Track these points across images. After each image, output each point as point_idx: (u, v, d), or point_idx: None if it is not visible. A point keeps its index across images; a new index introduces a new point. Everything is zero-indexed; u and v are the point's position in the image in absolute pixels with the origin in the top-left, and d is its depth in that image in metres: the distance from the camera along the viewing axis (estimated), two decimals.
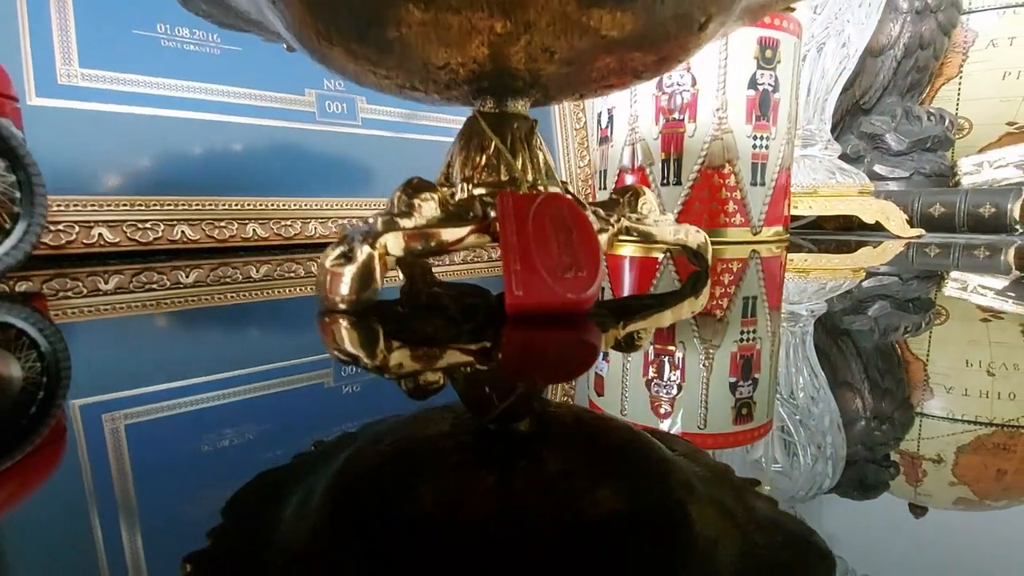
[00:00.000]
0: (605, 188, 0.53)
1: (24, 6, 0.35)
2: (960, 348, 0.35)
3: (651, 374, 0.21)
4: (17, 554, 0.11)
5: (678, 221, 0.46)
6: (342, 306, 0.16)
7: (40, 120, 0.32)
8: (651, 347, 0.26)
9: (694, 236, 0.25)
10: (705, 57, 0.44)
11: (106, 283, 0.34)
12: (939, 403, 0.23)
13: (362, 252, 0.16)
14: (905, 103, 0.79)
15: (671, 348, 0.26)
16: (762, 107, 0.45)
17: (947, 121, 0.78)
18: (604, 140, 0.53)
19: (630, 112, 0.50)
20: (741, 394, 0.24)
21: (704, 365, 0.25)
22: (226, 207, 0.40)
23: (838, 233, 0.63)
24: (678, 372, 0.25)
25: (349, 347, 0.16)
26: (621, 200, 0.25)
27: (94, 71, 0.36)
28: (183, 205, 0.38)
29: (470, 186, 0.22)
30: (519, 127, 0.23)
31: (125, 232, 0.36)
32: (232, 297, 0.35)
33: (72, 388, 0.19)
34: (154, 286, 0.35)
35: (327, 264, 0.16)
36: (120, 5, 0.37)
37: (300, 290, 0.38)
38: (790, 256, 0.54)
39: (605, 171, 0.53)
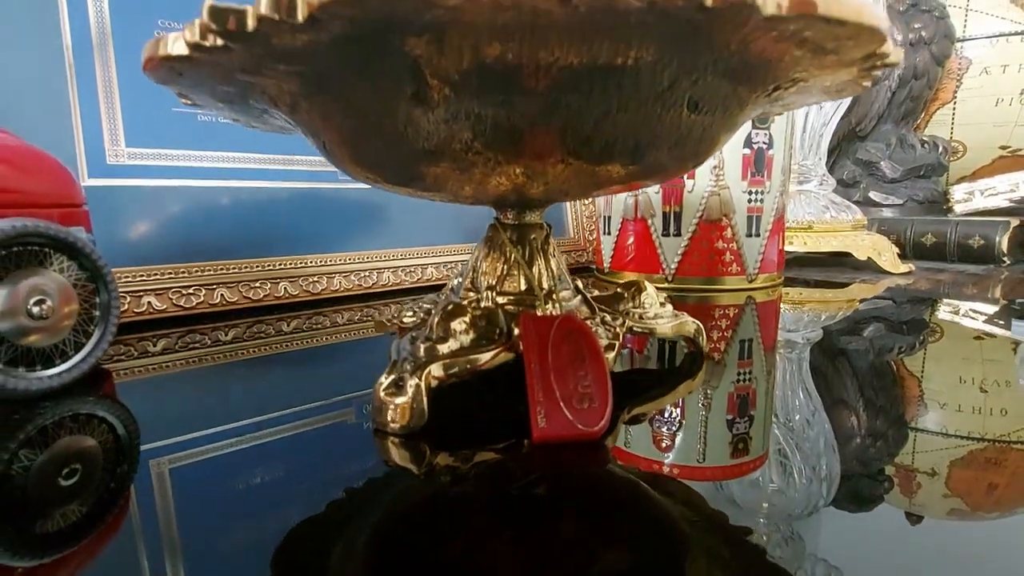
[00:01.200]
0: (609, 233, 0.56)
1: (76, 97, 0.38)
2: (954, 365, 0.38)
3: (653, 412, 0.24)
4: None
5: (678, 271, 0.49)
6: (394, 427, 0.20)
7: (92, 200, 0.35)
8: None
9: (689, 326, 0.28)
10: None
11: (154, 346, 0.37)
12: (933, 419, 0.26)
13: (411, 385, 0.19)
14: (900, 130, 0.82)
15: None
16: (757, 164, 0.48)
17: (940, 148, 0.80)
18: None
19: None
20: (737, 430, 0.28)
21: (703, 404, 0.28)
22: (260, 268, 0.43)
23: (832, 259, 0.66)
24: (678, 410, 0.29)
25: (399, 462, 0.20)
26: (625, 295, 0.28)
27: (139, 149, 0.40)
28: (221, 269, 0.41)
29: (494, 294, 0.25)
30: (536, 237, 0.26)
31: (171, 299, 0.39)
32: (265, 350, 0.39)
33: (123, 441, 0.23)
34: (197, 345, 0.38)
35: (381, 394, 0.19)
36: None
37: (326, 339, 0.42)
38: (785, 290, 0.57)
39: (609, 217, 0.56)
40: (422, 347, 0.21)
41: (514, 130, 0.17)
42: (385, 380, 0.20)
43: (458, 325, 0.22)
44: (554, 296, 0.25)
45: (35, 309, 0.24)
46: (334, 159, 0.23)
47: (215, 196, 0.42)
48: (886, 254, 0.63)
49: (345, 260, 0.47)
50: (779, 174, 0.50)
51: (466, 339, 0.22)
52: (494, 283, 0.26)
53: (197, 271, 0.40)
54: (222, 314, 0.42)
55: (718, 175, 0.48)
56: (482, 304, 0.25)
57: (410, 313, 0.27)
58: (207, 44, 0.15)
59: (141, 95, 0.40)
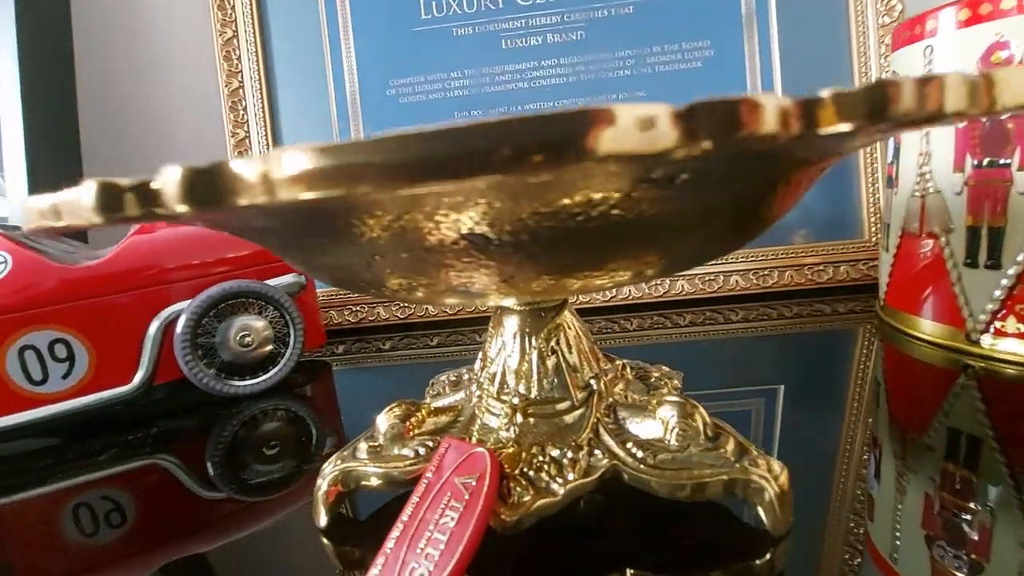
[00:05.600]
0: (888, 249, 0.37)
1: None
2: None
3: (938, 530, 0.18)
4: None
5: (994, 328, 0.29)
6: (317, 523, 0.21)
7: None
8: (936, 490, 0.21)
9: (761, 486, 0.18)
10: None
11: (385, 345, 0.48)
12: None
13: (329, 480, 0.20)
14: None
15: (970, 506, 0.20)
16: None
17: None
18: (890, 181, 0.37)
19: (920, 146, 0.33)
20: None
21: None
22: None
23: None
24: (981, 538, 0.20)
25: (325, 553, 0.21)
26: (649, 406, 0.19)
27: None
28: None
29: (485, 393, 0.22)
30: (533, 330, 0.21)
31: (392, 311, 0.49)
32: (467, 355, 0.45)
33: (366, 404, 0.34)
34: (412, 347, 0.48)
35: (319, 484, 0.21)
36: None
37: None
38: None
39: (888, 226, 0.37)
40: (362, 444, 0.21)
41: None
42: (326, 468, 0.21)
43: (398, 429, 0.21)
44: (529, 411, 0.20)
45: (245, 339, 0.35)
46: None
47: None
48: None
49: None
50: None
51: (404, 447, 0.21)
52: (483, 381, 0.22)
53: None
54: (431, 323, 0.50)
55: None
56: (473, 404, 0.23)
57: (435, 390, 0.27)
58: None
59: None
